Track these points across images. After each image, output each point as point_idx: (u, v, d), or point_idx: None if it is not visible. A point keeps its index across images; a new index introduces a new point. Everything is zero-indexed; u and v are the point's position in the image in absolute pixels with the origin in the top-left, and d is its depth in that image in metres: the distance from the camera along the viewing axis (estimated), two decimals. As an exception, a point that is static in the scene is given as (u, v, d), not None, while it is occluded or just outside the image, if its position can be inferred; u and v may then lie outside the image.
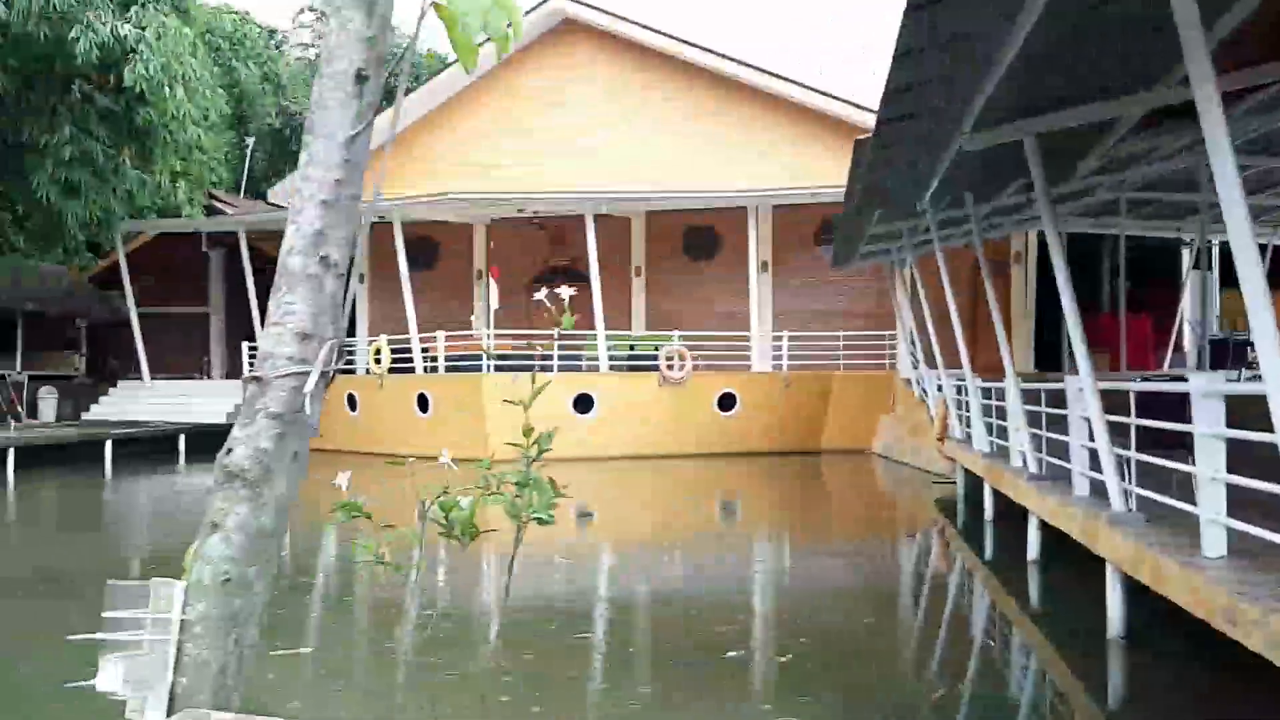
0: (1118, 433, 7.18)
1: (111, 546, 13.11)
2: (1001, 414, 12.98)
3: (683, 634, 7.89)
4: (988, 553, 11.44)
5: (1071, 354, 22.86)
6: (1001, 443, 12.19)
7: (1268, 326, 4.38)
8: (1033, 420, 10.82)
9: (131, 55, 19.50)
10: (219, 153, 29.22)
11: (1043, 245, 24.11)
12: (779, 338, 23.63)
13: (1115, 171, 14.51)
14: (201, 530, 2.86)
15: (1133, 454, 6.95)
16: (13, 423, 23.22)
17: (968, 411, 15.59)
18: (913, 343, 22.31)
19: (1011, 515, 11.81)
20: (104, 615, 2.77)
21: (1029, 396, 10.99)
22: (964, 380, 16.05)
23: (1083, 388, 7.73)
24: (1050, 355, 24.39)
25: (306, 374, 2.89)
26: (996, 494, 12.06)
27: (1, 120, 20.32)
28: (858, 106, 23.92)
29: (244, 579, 2.84)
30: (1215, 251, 24.28)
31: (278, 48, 44.91)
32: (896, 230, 17.02)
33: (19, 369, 26.06)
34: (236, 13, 38.95)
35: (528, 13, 25.59)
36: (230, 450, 2.89)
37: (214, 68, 25.23)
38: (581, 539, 13.24)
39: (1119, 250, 21.61)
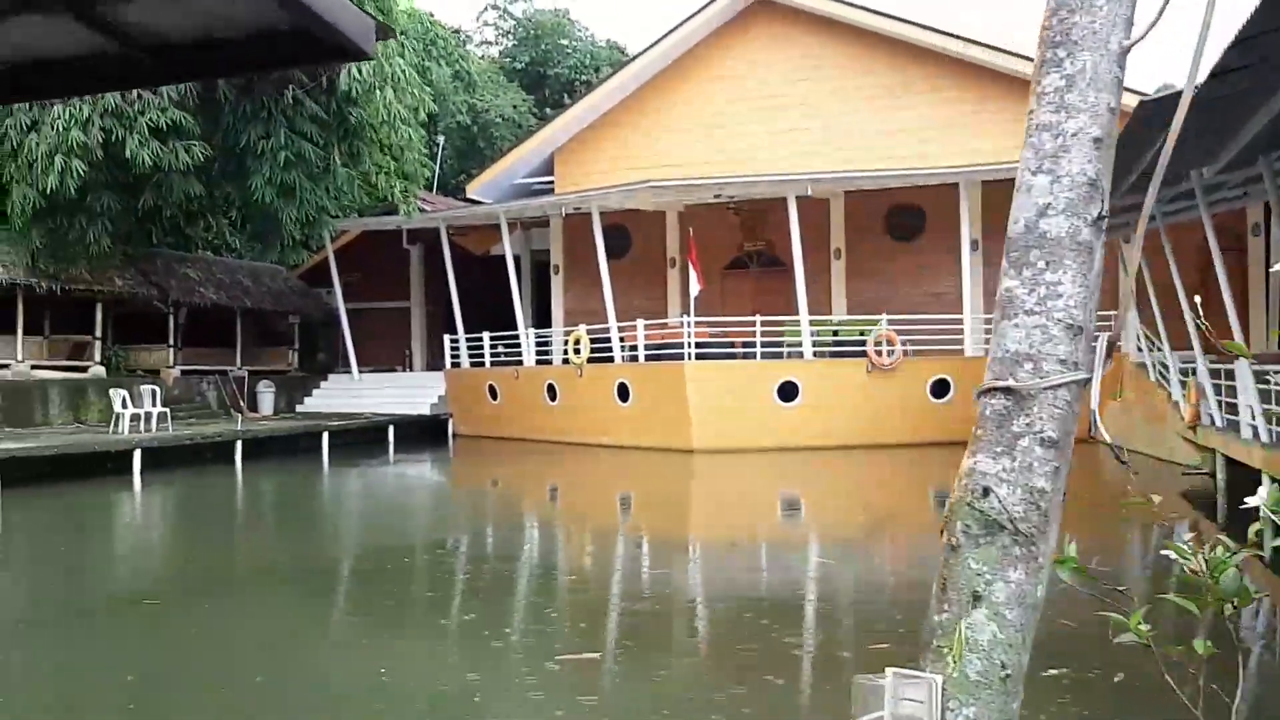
0: None
1: (361, 535, 13.40)
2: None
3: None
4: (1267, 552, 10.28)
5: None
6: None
7: None
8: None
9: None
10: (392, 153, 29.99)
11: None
12: (990, 319, 22.36)
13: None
14: (945, 600, 2.19)
15: None
16: (239, 416, 24.37)
17: (1225, 397, 14.30)
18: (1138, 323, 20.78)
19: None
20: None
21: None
22: (1216, 363, 14.78)
23: None
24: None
25: (1082, 382, 2.20)
26: (1284, 490, 10.84)
27: (223, 127, 21.24)
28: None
29: (1019, 671, 2.13)
30: None
31: (463, 45, 45.92)
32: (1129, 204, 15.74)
33: (239, 364, 27.41)
34: (425, 13, 39.98)
35: (720, -7, 25.14)
36: (986, 491, 2.17)
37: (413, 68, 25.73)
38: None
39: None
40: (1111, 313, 22.52)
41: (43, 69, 2.87)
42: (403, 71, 22.15)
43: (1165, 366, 18.55)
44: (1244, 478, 13.09)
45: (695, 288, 22.37)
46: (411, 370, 31.15)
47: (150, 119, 19.65)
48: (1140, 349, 20.63)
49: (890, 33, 24.03)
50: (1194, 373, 15.61)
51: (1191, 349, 18.70)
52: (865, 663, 6.66)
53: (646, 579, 10.18)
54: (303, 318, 30.31)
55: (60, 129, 19.45)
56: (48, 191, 19.82)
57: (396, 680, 6.50)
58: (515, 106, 43.51)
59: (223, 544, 12.77)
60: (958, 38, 23.51)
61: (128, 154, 19.59)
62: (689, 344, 21.52)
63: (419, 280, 31.78)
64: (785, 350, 22.15)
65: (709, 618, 8.41)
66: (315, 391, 29.00)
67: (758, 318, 21.99)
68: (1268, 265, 21.68)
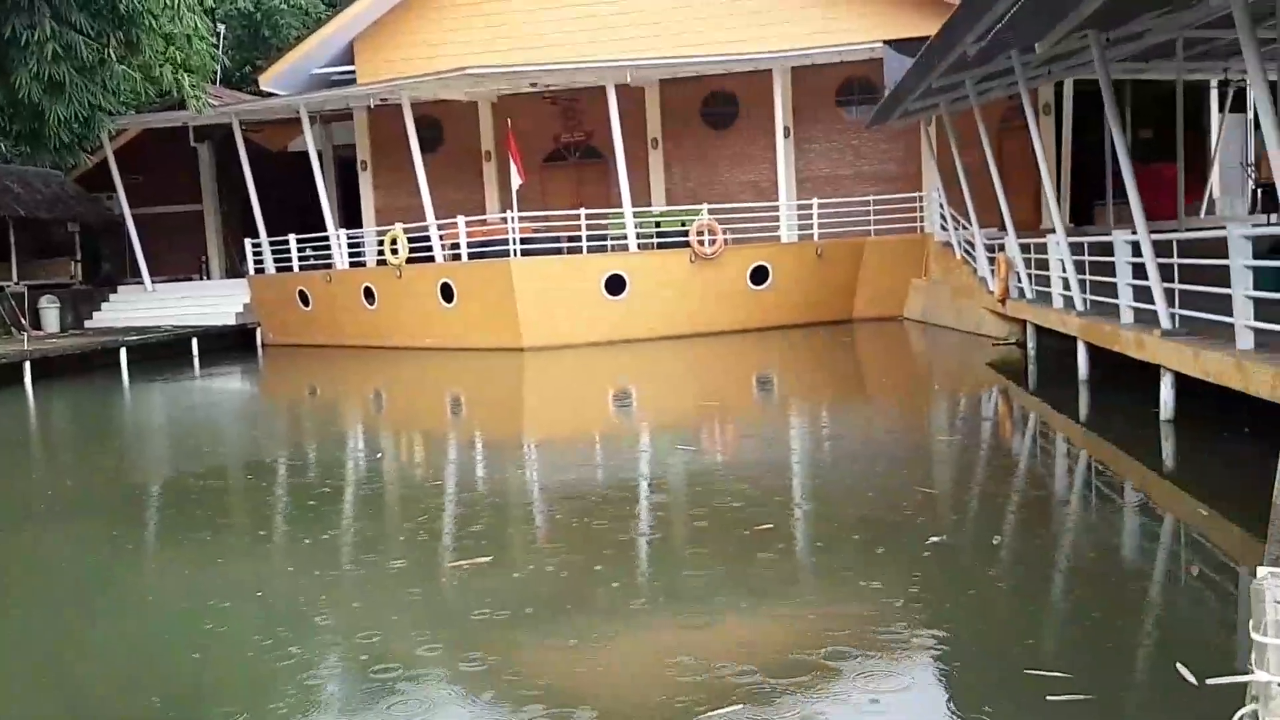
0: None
1: (175, 456, 12.57)
2: (1082, 269, 12.57)
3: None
4: (1082, 414, 11.13)
5: (1096, 208, 22.38)
6: (1100, 300, 11.77)
7: None
8: (1137, 273, 10.42)
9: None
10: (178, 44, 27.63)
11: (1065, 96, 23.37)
12: (807, 206, 22.91)
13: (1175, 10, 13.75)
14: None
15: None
16: (24, 335, 22.34)
17: (1034, 270, 15.19)
18: (941, 204, 21.76)
19: (1113, 374, 11.55)
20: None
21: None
22: (1015, 238, 15.67)
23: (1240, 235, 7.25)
24: (1076, 209, 23.79)
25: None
26: (1095, 353, 11.70)
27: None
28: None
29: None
30: (1249, 92, 23.60)
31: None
32: (943, 84, 16.30)
33: (15, 280, 25.03)
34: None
35: None
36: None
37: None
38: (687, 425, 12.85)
39: (1134, 97, 20.82)
40: (917, 194, 23.53)
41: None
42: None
43: (971, 244, 19.53)
44: (1053, 346, 14.07)
45: (516, 181, 21.83)
46: (209, 278, 29.31)
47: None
48: (945, 228, 21.62)
49: (698, -85, 23.65)
50: (1002, 249, 16.50)
51: (994, 227, 19.85)
52: (762, 537, 6.80)
53: (498, 481, 10.02)
54: (83, 226, 27.84)
55: None
56: None
57: (253, 602, 6.19)
58: (302, -8, 40.72)
59: (19, 474, 11.74)
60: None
61: None
62: (514, 240, 21.09)
63: (210, 181, 29.68)
64: (610, 243, 22.04)
65: (574, 511, 8.38)
66: (104, 305, 26.92)
67: (582, 211, 21.71)
68: (1059, 145, 22.96)
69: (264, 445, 13.05)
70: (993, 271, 17.00)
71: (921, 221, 23.39)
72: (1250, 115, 23.72)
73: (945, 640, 4.93)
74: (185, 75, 21.48)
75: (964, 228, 20.27)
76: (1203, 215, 23.30)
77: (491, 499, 8.97)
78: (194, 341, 23.82)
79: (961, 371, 15.98)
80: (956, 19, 10.20)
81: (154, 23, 20.85)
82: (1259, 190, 19.98)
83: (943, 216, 21.73)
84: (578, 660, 5.02)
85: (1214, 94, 24.24)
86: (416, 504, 8.92)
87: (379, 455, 11.81)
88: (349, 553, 7.28)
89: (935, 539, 6.54)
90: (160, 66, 21.13)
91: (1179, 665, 4.29)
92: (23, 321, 23.60)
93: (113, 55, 20.71)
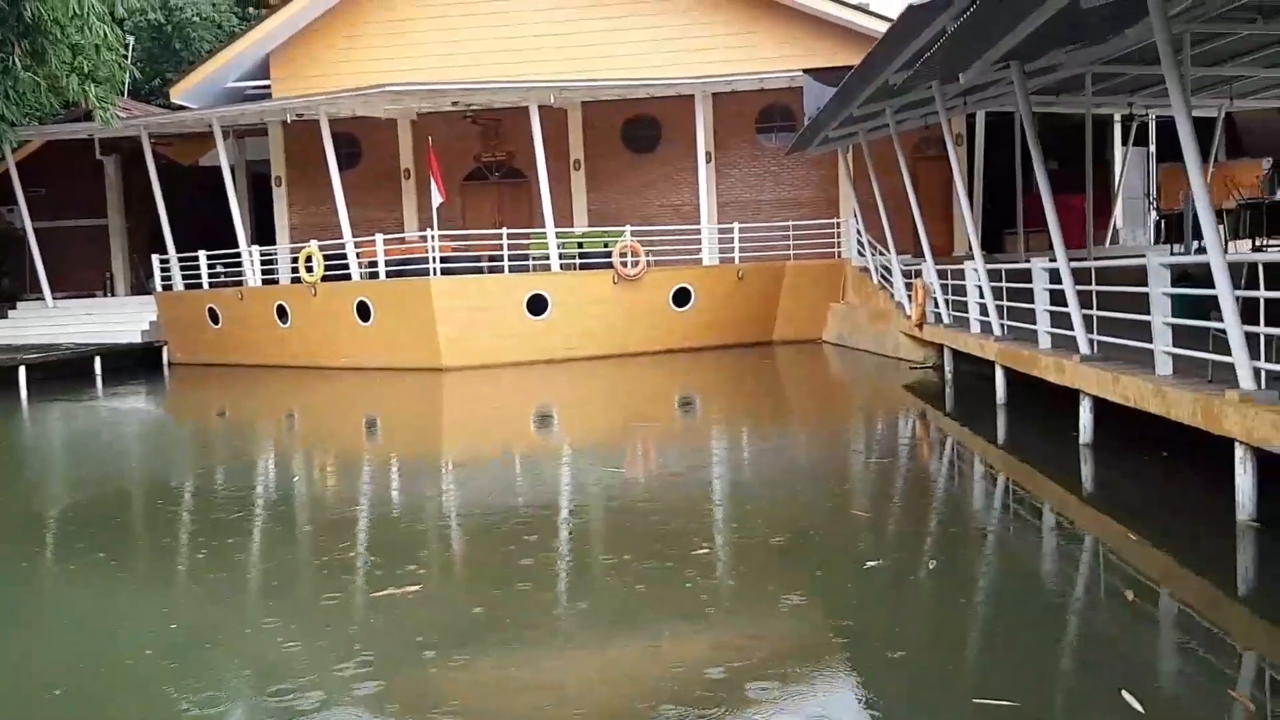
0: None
1: (74, 481, 12.02)
2: (1000, 295, 12.83)
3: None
4: (1000, 437, 11.33)
5: (1006, 236, 22.93)
6: (1017, 325, 12.02)
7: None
8: (1055, 299, 10.67)
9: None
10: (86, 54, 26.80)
11: (978, 127, 23.98)
12: (729, 229, 23.07)
13: (1090, 44, 14.21)
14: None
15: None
16: (-87, 352, 21.27)
17: (951, 295, 15.48)
18: (859, 230, 22.10)
19: (1029, 398, 11.79)
20: None
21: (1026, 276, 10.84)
22: (929, 264, 15.97)
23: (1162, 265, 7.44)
24: (987, 237, 24.33)
25: None
26: (1011, 377, 11.94)
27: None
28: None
29: None
30: (1151, 126, 24.54)
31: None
32: (862, 113, 16.59)
33: (-95, 294, 23.88)
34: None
35: (446, -111, 23.85)
36: None
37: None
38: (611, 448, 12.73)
39: (1041, 130, 21.42)
40: (835, 220, 23.89)
41: None
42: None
43: (888, 270, 19.85)
44: (969, 370, 14.33)
45: (437, 199, 21.57)
46: (114, 295, 28.32)
47: None
48: (861, 253, 21.96)
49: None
50: (918, 274, 16.80)
51: (909, 253, 20.23)
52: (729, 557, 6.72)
53: (418, 505, 9.79)
54: (-21, 239, 26.70)
55: None
56: None
57: (158, 632, 5.90)
58: (214, 4, 39.85)
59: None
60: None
61: None
62: (434, 259, 20.80)
63: (117, 195, 28.74)
64: (532, 263, 21.89)
65: (495, 531, 8.21)
66: (2, 322, 25.80)
67: (504, 230, 21.54)
68: (971, 174, 23.48)
69: (169, 470, 12.55)
70: (909, 296, 17.28)
71: (839, 246, 23.72)
72: (1152, 149, 24.66)
73: (895, 666, 4.90)
74: (93, 86, 20.76)
75: (881, 253, 20.62)
76: (1108, 245, 24.06)
77: (410, 524, 8.74)
78: (97, 360, 22.93)
79: (880, 394, 16.19)
80: (880, 50, 10.36)
81: (60, 32, 20.17)
82: (1162, 221, 20.68)
83: (860, 242, 22.07)
84: (500, 690, 4.86)
85: (1117, 128, 25.09)
86: (330, 532, 8.63)
87: (294, 478, 11.46)
88: (257, 583, 7.01)
89: (871, 563, 6.55)
90: (66, 77, 20.40)
91: (1124, 692, 4.31)
92: (-88, 338, 22.49)
93: (17, 64, 19.99)
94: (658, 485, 9.89)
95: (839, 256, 23.61)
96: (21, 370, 20.71)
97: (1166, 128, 24.10)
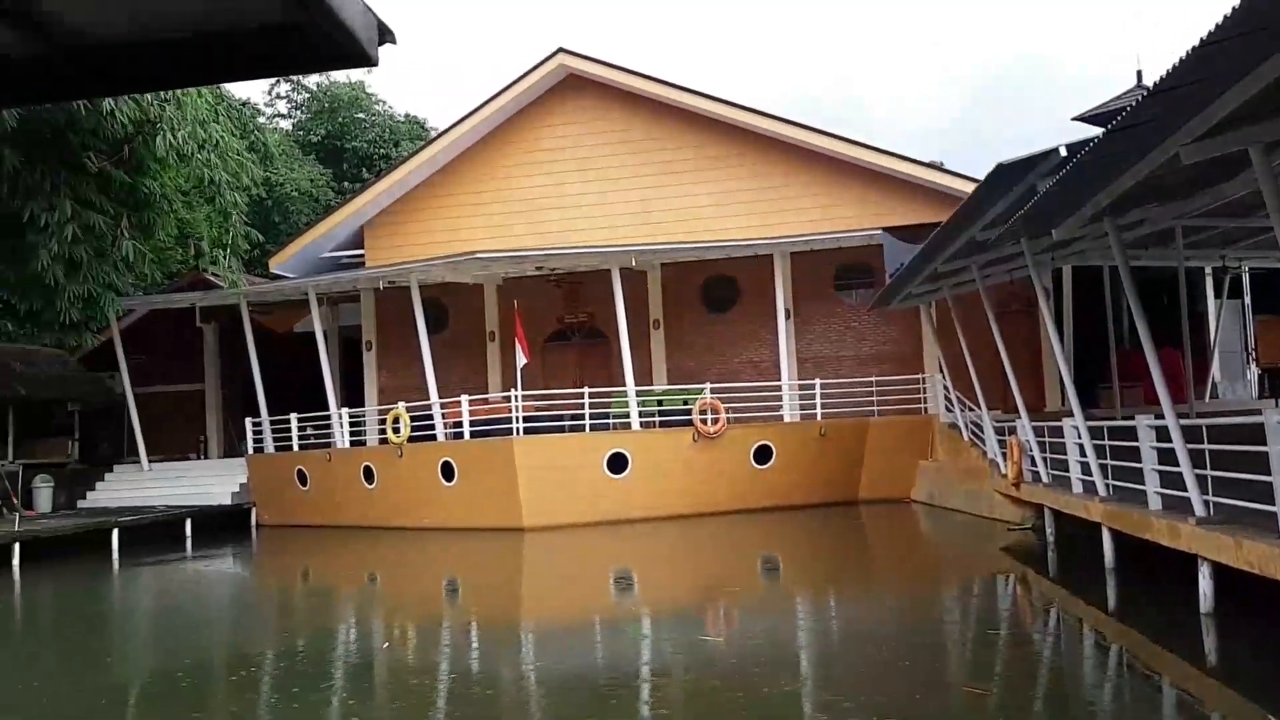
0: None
1: (159, 649, 11.99)
2: (1102, 453, 12.33)
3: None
4: (1111, 604, 10.68)
5: (1095, 390, 22.29)
6: (1123, 484, 11.49)
7: None
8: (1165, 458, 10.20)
9: (151, 126, 18.80)
10: (204, 225, 28.43)
11: (1064, 281, 23.73)
12: (809, 386, 22.89)
13: (1181, 198, 14.07)
14: None
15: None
16: (16, 516, 21.84)
17: (1050, 454, 14.96)
18: (946, 385, 21.74)
19: (1139, 561, 11.15)
20: None
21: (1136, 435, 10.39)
22: (1022, 422, 15.51)
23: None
24: (1080, 392, 23.73)
25: None
26: (1119, 539, 11.34)
27: (3, 201, 19.30)
28: (878, 150, 23.51)
29: None
30: (1245, 278, 24.00)
31: (254, 118, 44.21)
32: (946, 269, 16.54)
33: (11, 458, 24.74)
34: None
35: (531, 69, 25.14)
36: None
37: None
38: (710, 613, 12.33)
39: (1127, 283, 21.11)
40: (920, 375, 23.56)
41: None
42: (221, 137, 20.86)
43: (978, 426, 19.38)
44: (1072, 532, 13.69)
45: (521, 361, 21.89)
46: (207, 458, 29.00)
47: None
48: (950, 409, 21.53)
49: (697, 108, 24.57)
50: (1012, 431, 16.33)
51: (999, 409, 19.77)
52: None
53: (509, 673, 9.48)
54: (84, 405, 27.75)
55: None
56: None
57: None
58: (312, 180, 42.12)
59: (15, 665, 11.16)
60: (762, 114, 24.30)
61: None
62: (517, 419, 20.94)
63: (214, 361, 29.79)
64: (612, 422, 21.90)
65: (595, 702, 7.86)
66: (99, 485, 26.48)
67: (585, 390, 21.68)
68: (1061, 329, 23.11)
69: (249, 638, 12.44)
70: (1004, 454, 16.77)
71: (925, 402, 23.33)
72: (1247, 300, 24.06)
73: None
74: (220, 252, 21.83)
75: (970, 409, 20.19)
76: (1207, 399, 23.27)
77: (493, 692, 8.44)
78: (187, 522, 23.31)
79: (977, 557, 15.51)
80: (966, 207, 10.35)
81: (168, 205, 21.38)
82: (1264, 375, 20.01)
83: (947, 398, 21.67)
84: None
85: (1209, 280, 24.62)
86: (411, 697, 8.37)
87: (385, 645, 11.26)
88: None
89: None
90: (199, 240, 21.52)
91: None
92: (14, 501, 23.15)
93: (125, 234, 21.12)
94: (746, 655, 9.45)
95: (925, 412, 23.18)
96: (114, 533, 21.08)
97: (1261, 280, 23.60)
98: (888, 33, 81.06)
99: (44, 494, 24.15)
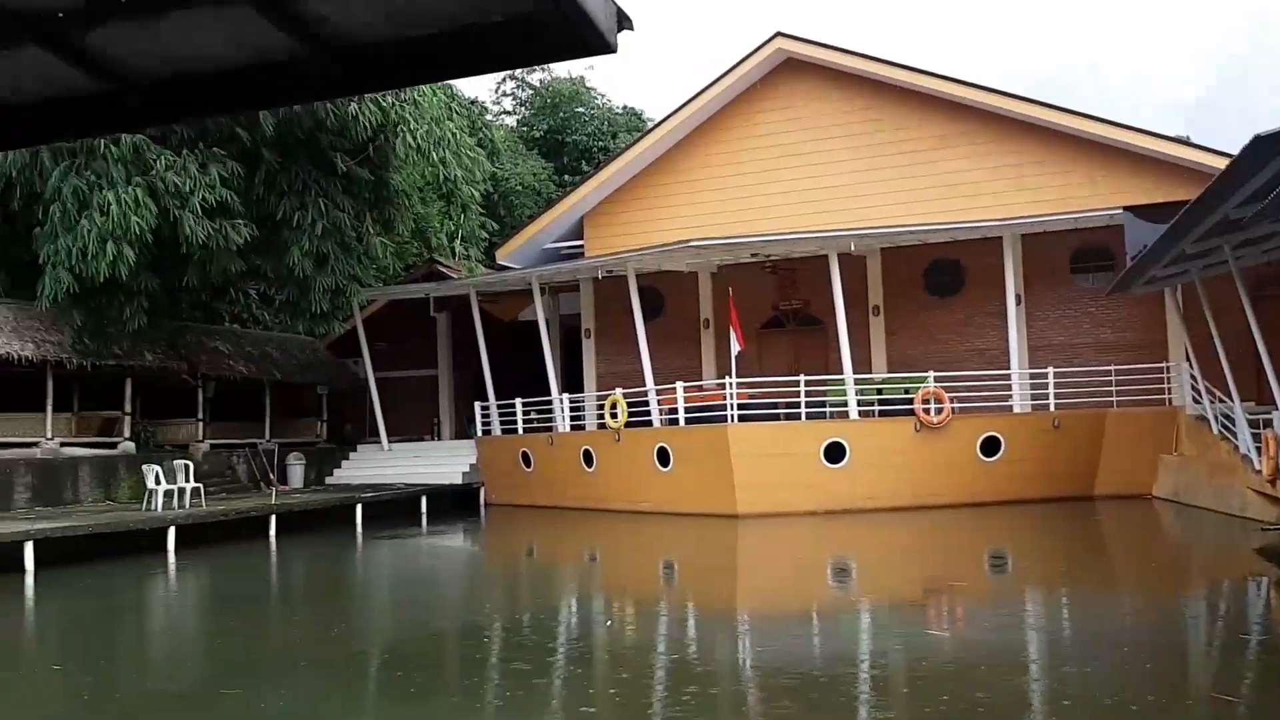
0: None
1: (407, 614, 12.80)
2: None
3: None
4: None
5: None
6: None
7: None
8: None
9: (392, 126, 20.19)
10: (437, 219, 30.09)
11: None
12: (1041, 375, 21.80)
13: None
14: None
15: None
16: (273, 490, 23.84)
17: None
18: (1193, 375, 20.23)
19: None
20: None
21: None
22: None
23: None
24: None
25: None
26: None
27: (258, 200, 21.05)
28: (1119, 125, 22.06)
29: None
30: None
31: (481, 115, 46.18)
32: (1195, 250, 15.35)
33: (268, 437, 26.97)
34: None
35: (748, 55, 25.06)
36: None
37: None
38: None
39: None
40: (1164, 364, 22.05)
41: (229, 76, 2.43)
42: (453, 134, 22.08)
43: (1229, 418, 17.96)
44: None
45: (736, 348, 21.93)
46: (439, 439, 30.65)
47: (201, 198, 19.30)
48: (1197, 400, 20.04)
49: (921, 87, 23.80)
50: (1269, 424, 15.04)
51: (1252, 400, 18.24)
52: None
53: (733, 658, 9.55)
54: (331, 388, 29.93)
55: (115, 215, 18.49)
56: (100, 279, 18.92)
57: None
58: (535, 174, 43.60)
59: (274, 626, 12.23)
60: (992, 91, 23.28)
61: (182, 235, 19.17)
62: (731, 405, 21.01)
63: (446, 348, 31.42)
64: (829, 410, 21.61)
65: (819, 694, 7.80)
66: (344, 463, 28.49)
67: (801, 377, 21.47)
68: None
69: (478, 609, 13.09)
70: (1258, 449, 15.45)
71: (1169, 393, 21.78)
72: None
73: None
74: (459, 244, 23.14)
75: (1220, 400, 18.73)
76: None
77: (713, 672, 8.52)
78: (423, 500, 24.73)
79: (1227, 558, 14.38)
80: (1220, 184, 9.57)
81: (407, 201, 22.71)
82: None
83: (1195, 389, 20.16)
84: None
85: None
86: (627, 676, 8.57)
87: (609, 624, 11.61)
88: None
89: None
90: (434, 235, 22.90)
91: None
92: (271, 477, 25.23)
93: (370, 231, 22.58)
94: (973, 652, 9.13)
95: (1169, 404, 21.65)
96: (358, 508, 22.62)
97: None
98: (1122, 10, 75.76)
99: (297, 470, 26.18)
